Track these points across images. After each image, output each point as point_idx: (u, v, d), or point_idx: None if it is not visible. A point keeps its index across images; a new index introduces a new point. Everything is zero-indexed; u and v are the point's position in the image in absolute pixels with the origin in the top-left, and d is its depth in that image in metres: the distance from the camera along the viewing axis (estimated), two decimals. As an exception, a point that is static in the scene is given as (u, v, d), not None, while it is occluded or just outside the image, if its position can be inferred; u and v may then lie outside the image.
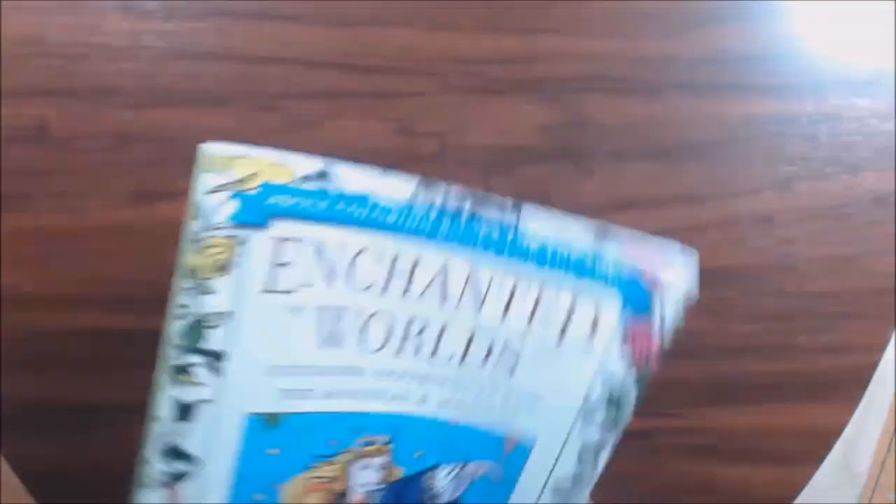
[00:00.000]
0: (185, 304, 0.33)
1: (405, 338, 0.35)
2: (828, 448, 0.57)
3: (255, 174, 0.32)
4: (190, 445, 0.34)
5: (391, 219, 0.34)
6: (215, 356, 0.33)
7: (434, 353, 0.36)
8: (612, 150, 0.52)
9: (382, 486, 0.37)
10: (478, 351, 0.37)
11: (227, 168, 0.32)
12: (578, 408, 0.40)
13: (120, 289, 0.50)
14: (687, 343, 0.54)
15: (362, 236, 0.34)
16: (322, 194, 0.33)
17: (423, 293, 0.35)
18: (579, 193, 0.52)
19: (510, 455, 0.39)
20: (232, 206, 0.32)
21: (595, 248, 0.38)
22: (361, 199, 0.34)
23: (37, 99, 0.48)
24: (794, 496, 0.58)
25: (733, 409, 0.56)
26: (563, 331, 0.37)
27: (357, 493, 0.37)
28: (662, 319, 0.40)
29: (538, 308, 0.37)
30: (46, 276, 0.49)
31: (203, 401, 0.33)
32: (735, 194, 0.53)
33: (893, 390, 0.88)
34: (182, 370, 0.34)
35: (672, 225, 0.53)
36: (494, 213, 0.36)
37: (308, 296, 0.33)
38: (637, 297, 0.39)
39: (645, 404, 0.55)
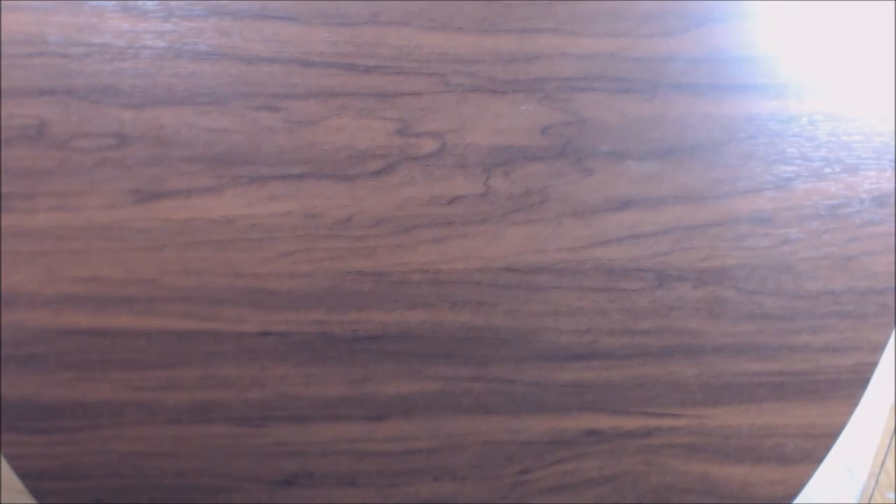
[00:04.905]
0: None
1: None
2: (828, 448, 0.57)
3: None
4: None
5: None
6: None
7: None
8: (611, 149, 0.52)
9: None
10: None
11: None
12: None
13: (119, 288, 0.50)
14: (687, 343, 0.54)
15: None
16: None
17: None
18: (579, 193, 0.52)
19: None
20: None
21: None
22: None
23: (36, 98, 0.48)
24: (794, 496, 0.58)
25: (733, 409, 0.56)
26: None
27: None
28: None
29: None
30: (46, 275, 0.50)
31: None
32: (735, 194, 0.53)
33: (893, 390, 0.89)
34: None
35: (672, 225, 0.53)
36: None
37: None
38: None
39: (645, 404, 0.55)
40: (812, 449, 0.57)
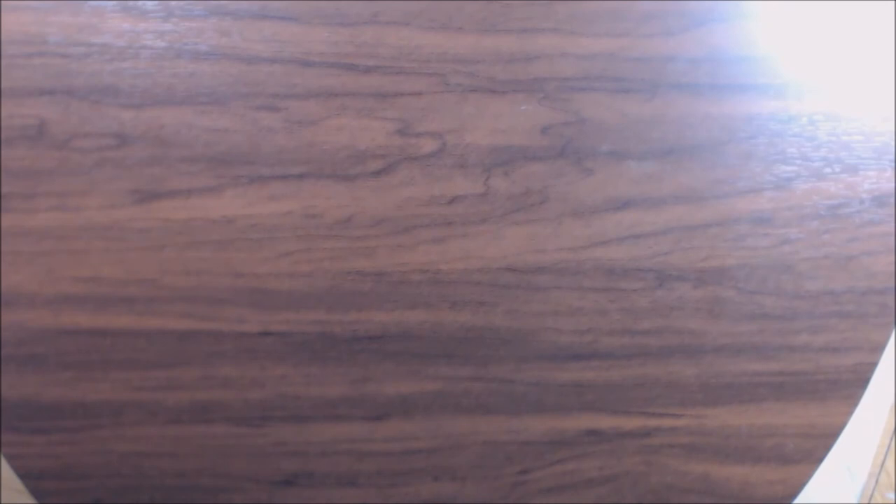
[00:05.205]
0: None
1: None
2: (828, 448, 0.57)
3: None
4: None
5: None
6: None
7: None
8: (611, 149, 0.52)
9: None
10: None
11: None
12: None
13: (119, 288, 0.50)
14: (687, 343, 0.54)
15: None
16: None
17: None
18: (579, 193, 0.52)
19: None
20: None
21: None
22: None
23: (36, 98, 0.48)
24: (794, 496, 0.58)
25: (733, 409, 0.56)
26: None
27: None
28: None
29: None
30: (46, 275, 0.50)
31: None
32: (735, 194, 0.53)
33: (893, 390, 0.89)
34: None
35: (672, 225, 0.53)
36: None
37: None
38: None
39: (645, 404, 0.55)
40: (812, 449, 0.57)
